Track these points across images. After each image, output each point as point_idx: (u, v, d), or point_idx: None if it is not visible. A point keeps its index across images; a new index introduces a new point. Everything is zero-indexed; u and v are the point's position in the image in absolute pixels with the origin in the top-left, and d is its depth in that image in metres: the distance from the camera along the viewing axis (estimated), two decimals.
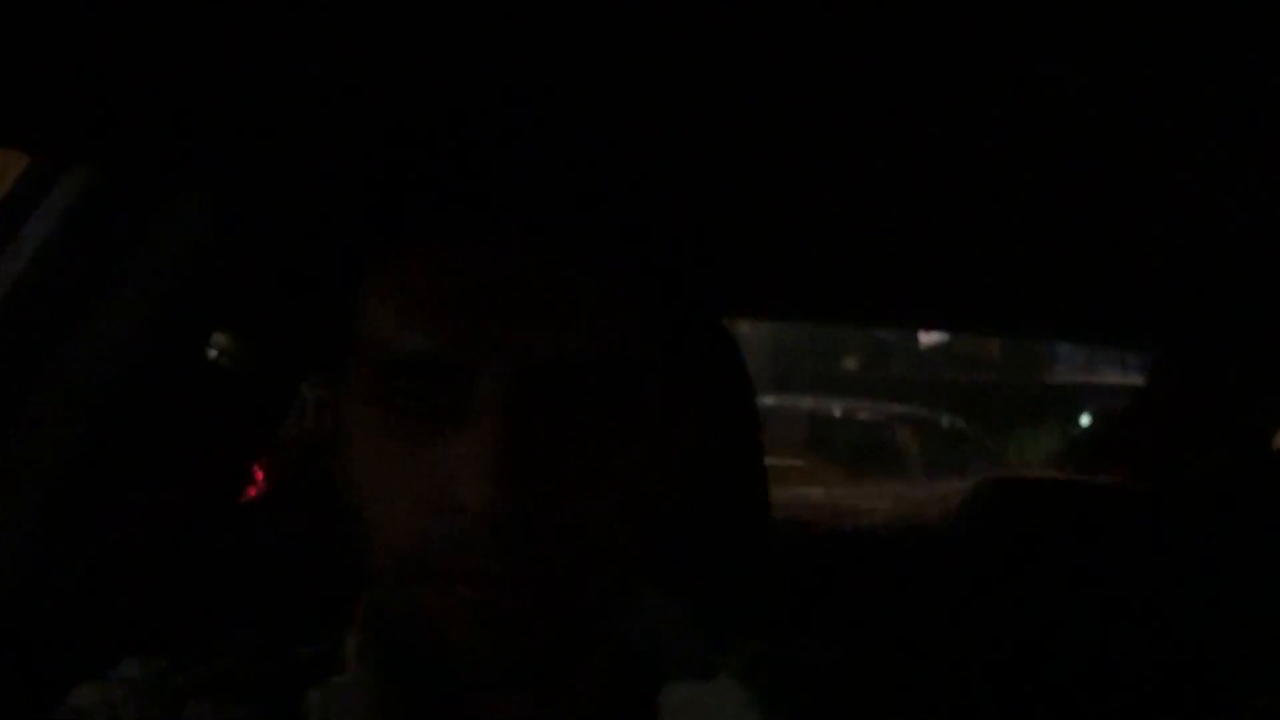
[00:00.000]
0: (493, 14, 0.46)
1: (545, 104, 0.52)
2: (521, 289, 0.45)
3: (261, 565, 0.91)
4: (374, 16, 0.45)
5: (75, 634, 0.67)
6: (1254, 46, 0.44)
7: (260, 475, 1.11)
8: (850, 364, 6.99)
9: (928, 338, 6.61)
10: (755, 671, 0.53)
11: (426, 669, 0.47)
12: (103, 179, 0.68)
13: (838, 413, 4.87)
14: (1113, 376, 5.74)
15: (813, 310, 1.34)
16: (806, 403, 5.05)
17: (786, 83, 0.52)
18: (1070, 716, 1.11)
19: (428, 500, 0.44)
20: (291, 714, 0.48)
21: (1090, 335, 1.70)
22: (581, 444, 0.45)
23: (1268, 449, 1.49)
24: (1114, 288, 1.07)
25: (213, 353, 0.82)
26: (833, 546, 1.55)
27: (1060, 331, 1.56)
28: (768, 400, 5.37)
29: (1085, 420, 6.22)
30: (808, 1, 0.42)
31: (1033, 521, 1.24)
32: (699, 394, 0.56)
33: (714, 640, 0.55)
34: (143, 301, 0.70)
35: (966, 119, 0.56)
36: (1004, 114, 0.54)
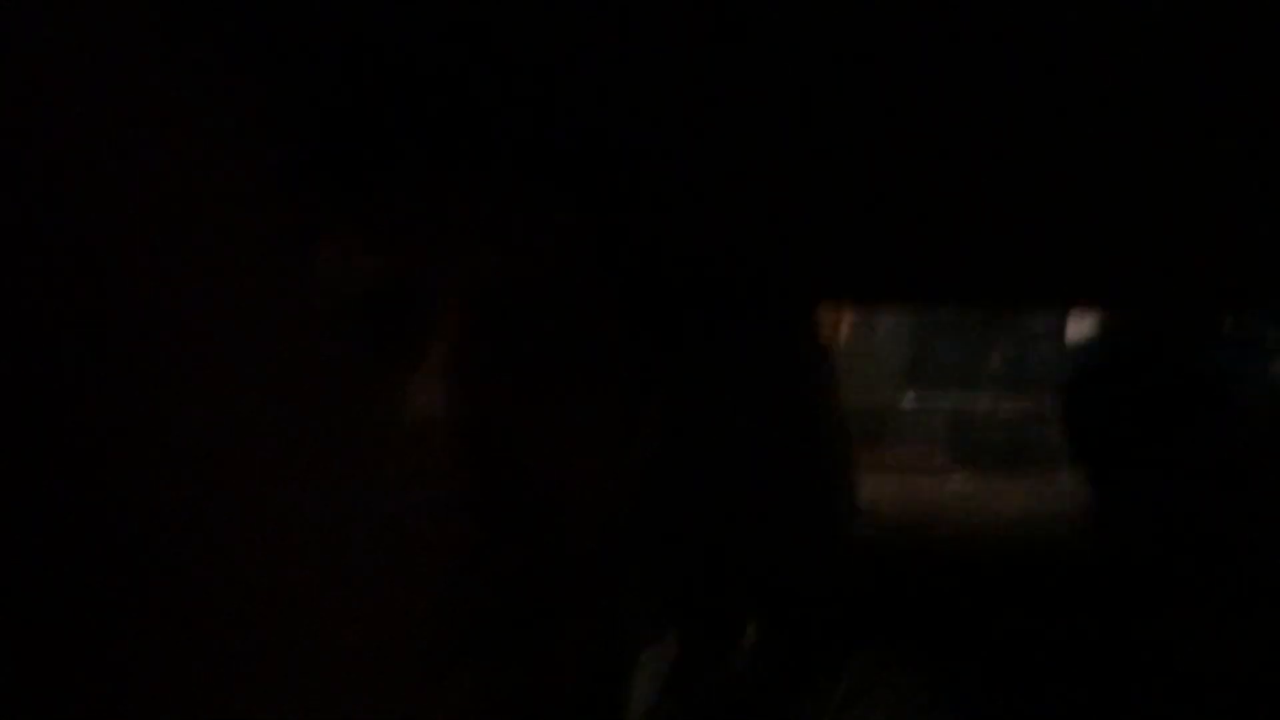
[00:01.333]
0: None
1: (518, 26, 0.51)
2: (479, 214, 0.46)
3: None
4: None
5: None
6: None
7: None
8: (996, 359, 6.76)
9: (1075, 329, 6.34)
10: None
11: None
12: None
13: (980, 409, 4.73)
14: None
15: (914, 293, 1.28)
16: (948, 400, 4.91)
17: None
18: None
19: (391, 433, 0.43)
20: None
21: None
22: (533, 377, 0.46)
23: None
24: None
25: None
26: (951, 545, 1.51)
27: (1240, 307, 1.42)
28: (907, 398, 5.24)
29: None
30: None
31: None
32: (680, 376, 0.60)
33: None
34: None
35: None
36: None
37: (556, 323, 0.47)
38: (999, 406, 4.82)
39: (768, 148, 0.65)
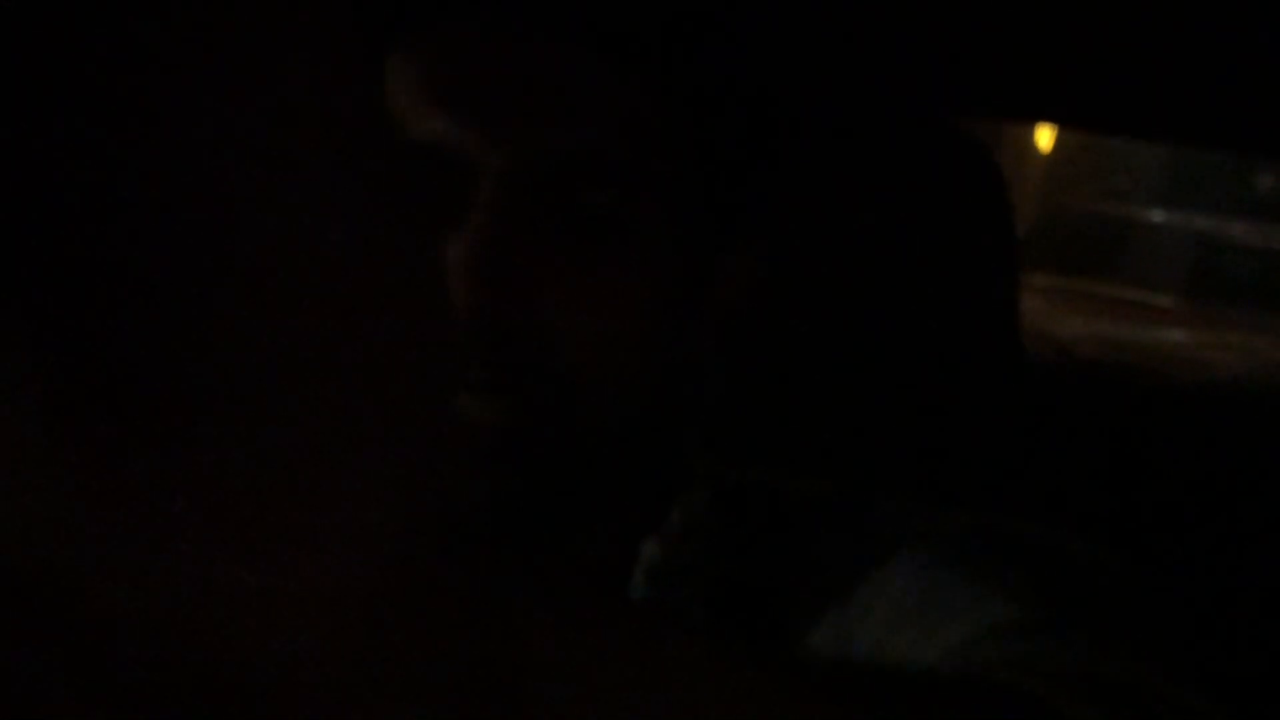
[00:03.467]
0: None
1: None
2: (533, 80, 0.45)
3: None
4: None
5: None
6: None
7: None
8: (1266, 182, 6.15)
9: None
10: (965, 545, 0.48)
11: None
12: None
13: (1235, 237, 4.28)
14: None
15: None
16: (1200, 222, 4.48)
17: None
18: None
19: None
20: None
21: None
22: (575, 255, 0.45)
23: None
24: None
25: None
26: (1141, 401, 1.36)
27: None
28: (1153, 215, 4.83)
29: None
30: None
31: None
32: (755, 241, 0.52)
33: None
34: None
35: None
36: None
37: (613, 193, 0.46)
38: (1260, 235, 4.35)
39: None
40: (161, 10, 0.14)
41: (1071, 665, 0.36)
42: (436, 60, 0.45)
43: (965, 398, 0.81)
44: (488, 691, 0.17)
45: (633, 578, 0.52)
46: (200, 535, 0.14)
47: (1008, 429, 0.84)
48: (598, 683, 0.20)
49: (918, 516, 0.51)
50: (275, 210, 0.14)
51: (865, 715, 0.26)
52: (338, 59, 0.16)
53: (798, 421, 0.75)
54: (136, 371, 0.13)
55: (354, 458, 0.15)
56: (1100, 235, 4.24)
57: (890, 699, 0.28)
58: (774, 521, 0.54)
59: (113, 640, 0.14)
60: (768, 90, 0.54)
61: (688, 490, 0.54)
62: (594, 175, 0.45)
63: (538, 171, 0.44)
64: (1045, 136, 6.36)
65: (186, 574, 0.14)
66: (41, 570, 0.14)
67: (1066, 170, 6.64)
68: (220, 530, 0.14)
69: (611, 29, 0.46)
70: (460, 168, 0.44)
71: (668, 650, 0.22)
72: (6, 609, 0.14)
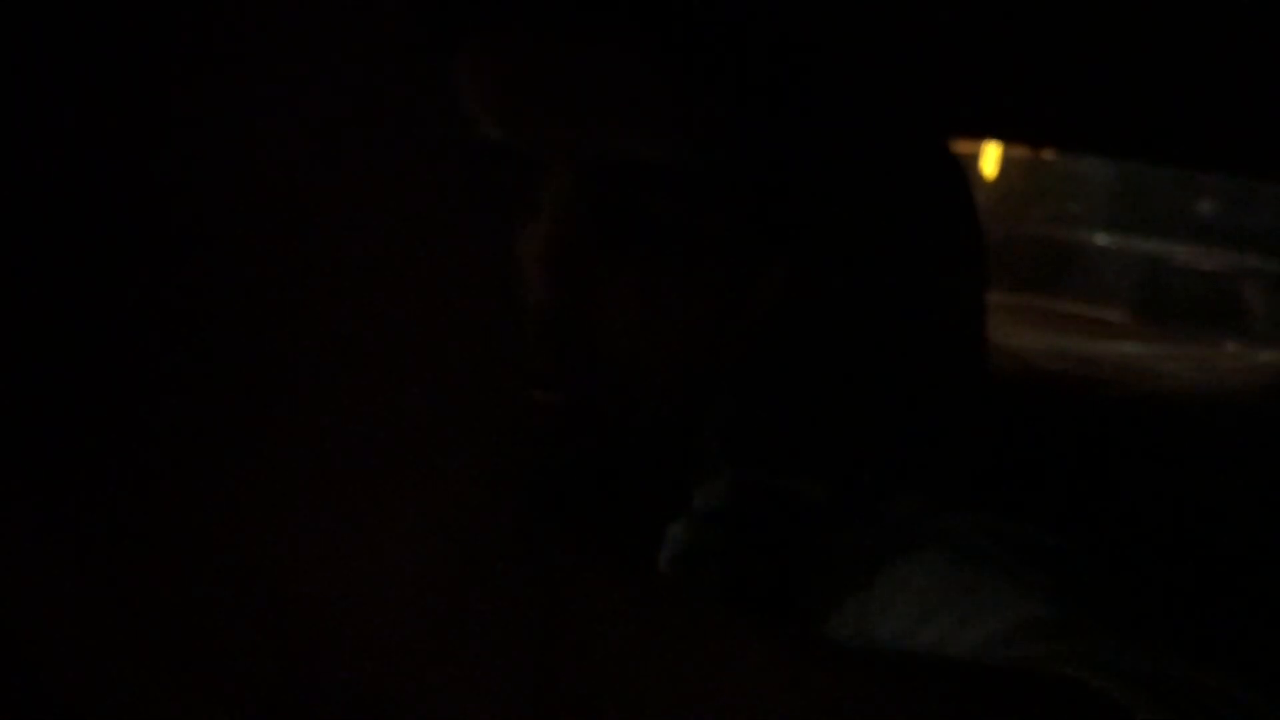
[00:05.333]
0: None
1: None
2: (603, 85, 0.45)
3: None
4: None
5: None
6: None
7: None
8: (1205, 208, 6.29)
9: None
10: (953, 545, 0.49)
11: None
12: None
13: (1178, 260, 4.39)
14: None
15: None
16: (1144, 245, 4.58)
17: None
18: None
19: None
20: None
21: None
22: (633, 257, 0.45)
23: None
24: None
25: None
26: (1101, 411, 1.38)
27: None
28: (1099, 238, 4.93)
29: None
30: None
31: None
32: (796, 243, 0.53)
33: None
34: None
35: None
36: None
37: (669, 199, 0.47)
38: (1200, 260, 4.47)
39: None
40: (242, 18, 0.13)
41: (1112, 659, 0.36)
42: (506, 64, 0.46)
43: (943, 407, 0.83)
44: (559, 676, 0.17)
45: (659, 560, 0.54)
46: (285, 523, 0.13)
47: (978, 437, 0.86)
48: (664, 672, 0.20)
49: (933, 516, 0.52)
50: (353, 207, 0.14)
51: (931, 706, 0.26)
52: (409, 60, 0.16)
53: (798, 425, 0.77)
54: (226, 361, 0.13)
55: (431, 445, 0.15)
56: (1049, 257, 4.34)
57: (951, 688, 0.28)
58: (789, 514, 0.55)
59: (198, 626, 0.14)
60: (812, 106, 0.56)
61: (710, 480, 0.56)
62: (657, 183, 0.46)
63: (603, 176, 0.45)
64: (990, 163, 6.45)
65: (269, 562, 0.13)
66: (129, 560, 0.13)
67: (1012, 196, 6.75)
68: (306, 518, 0.14)
69: (681, 40, 0.46)
70: (532, 165, 0.45)
71: (731, 641, 0.22)
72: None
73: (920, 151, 0.78)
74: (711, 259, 0.48)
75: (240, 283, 0.13)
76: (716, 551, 0.54)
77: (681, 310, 0.47)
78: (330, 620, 0.14)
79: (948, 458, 0.82)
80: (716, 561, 0.53)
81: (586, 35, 0.46)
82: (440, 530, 0.15)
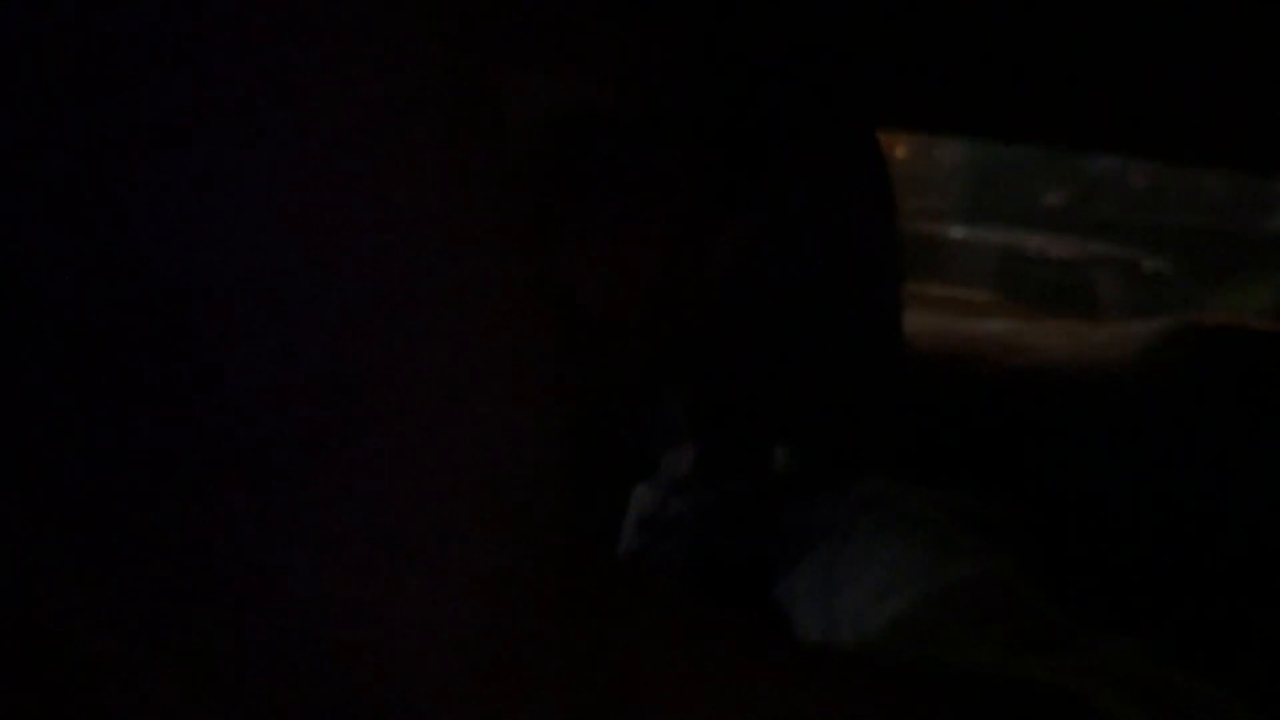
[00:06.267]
0: None
1: None
2: (552, 31, 0.44)
3: None
4: None
5: None
6: None
7: None
8: (1054, 199, 6.60)
9: (1140, 175, 6.16)
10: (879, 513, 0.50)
11: None
12: None
13: (1032, 249, 4.61)
14: None
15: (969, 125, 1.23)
16: (999, 236, 4.80)
17: None
18: (1250, 581, 1.03)
19: None
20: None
21: None
22: (598, 210, 0.44)
23: None
24: None
25: None
26: (997, 383, 1.46)
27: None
28: (957, 231, 5.13)
29: None
30: None
31: (1233, 372, 1.12)
32: (757, 201, 0.54)
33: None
34: None
35: None
36: None
37: (630, 152, 0.45)
38: (1053, 246, 4.70)
39: None
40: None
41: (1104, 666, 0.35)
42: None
43: (864, 385, 0.87)
44: (598, 686, 0.17)
45: (624, 526, 0.54)
46: (335, 542, 0.13)
47: (892, 415, 0.90)
48: (701, 684, 0.20)
49: (895, 493, 0.52)
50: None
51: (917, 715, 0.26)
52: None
53: (740, 394, 0.80)
54: (278, 376, 0.12)
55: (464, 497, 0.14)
56: (913, 249, 4.51)
57: (935, 698, 0.27)
58: (754, 486, 0.55)
59: (247, 644, 0.13)
60: (766, 67, 0.56)
61: (676, 447, 0.56)
62: (613, 132, 0.45)
63: (558, 126, 0.43)
64: None
65: (317, 580, 0.13)
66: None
67: None
68: (354, 536, 0.13)
69: None
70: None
71: (768, 655, 0.22)
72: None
73: (849, 134, 0.81)
74: (669, 212, 0.47)
75: (261, 316, 0.12)
76: (683, 521, 0.54)
77: (642, 265, 0.46)
78: (375, 634, 0.13)
79: (864, 436, 0.84)
80: (682, 530, 0.54)
81: None
82: (475, 579, 0.14)
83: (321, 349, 0.13)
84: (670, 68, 0.46)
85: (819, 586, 0.49)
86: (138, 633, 0.13)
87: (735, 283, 0.61)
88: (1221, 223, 6.11)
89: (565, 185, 0.44)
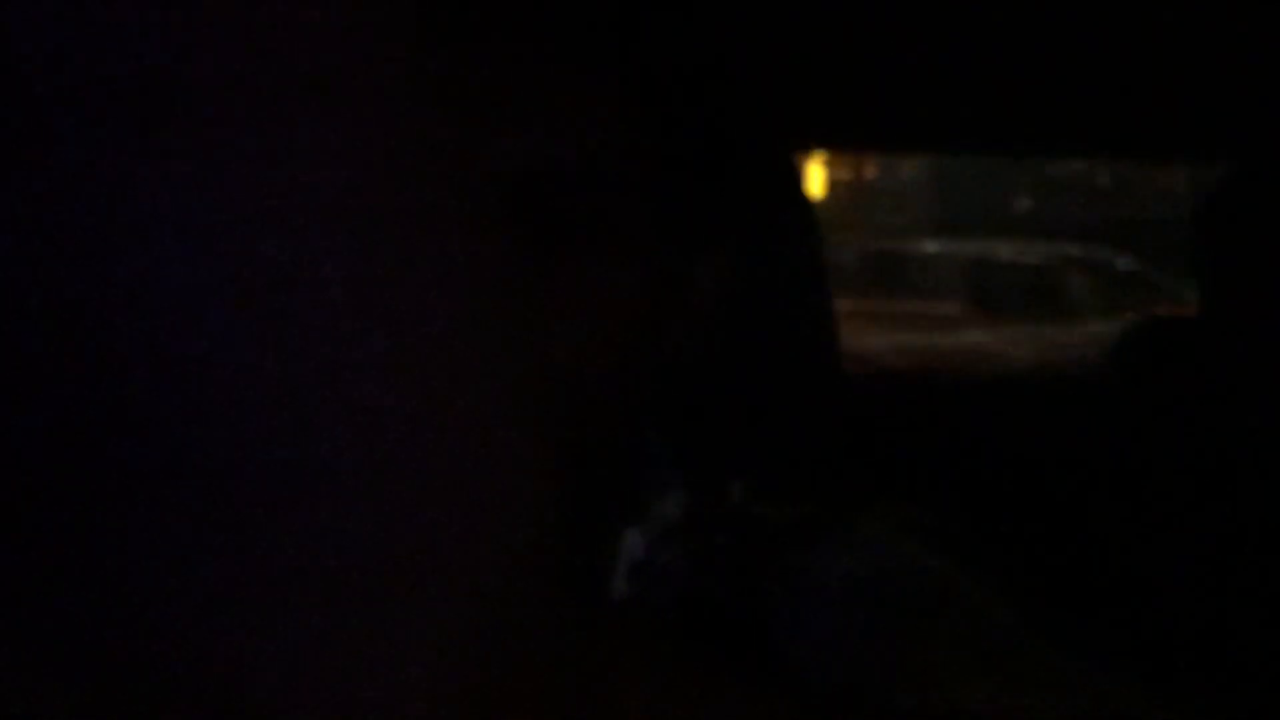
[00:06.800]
0: None
1: None
2: (502, 89, 0.41)
3: None
4: None
5: None
6: None
7: None
8: (1022, 204, 6.63)
9: (1105, 174, 6.19)
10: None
11: None
12: None
13: (1004, 257, 4.61)
14: None
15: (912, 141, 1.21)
16: (970, 248, 4.80)
17: None
18: (1217, 577, 1.00)
19: None
20: None
21: None
22: (562, 266, 0.42)
23: None
24: None
25: None
26: (956, 391, 1.43)
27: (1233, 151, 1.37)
28: (929, 247, 5.13)
29: None
30: None
31: (1191, 365, 1.10)
32: (721, 229, 0.54)
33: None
34: None
35: None
36: None
37: (594, 202, 0.41)
38: (1021, 254, 4.71)
39: None
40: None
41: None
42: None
43: (802, 408, 0.86)
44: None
45: (616, 574, 0.53)
46: (316, 587, 0.13)
47: (835, 434, 0.89)
48: None
49: (895, 536, 0.52)
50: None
51: None
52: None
53: (713, 435, 0.78)
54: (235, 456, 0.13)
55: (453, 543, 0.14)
56: (884, 266, 4.51)
57: None
58: (748, 535, 0.54)
59: (236, 685, 0.13)
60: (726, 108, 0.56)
61: (665, 492, 0.56)
62: (572, 183, 0.43)
63: (518, 178, 0.43)
64: (816, 183, 6.68)
65: (297, 623, 0.13)
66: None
67: (842, 212, 6.99)
68: (332, 582, 0.13)
69: (590, 39, 0.45)
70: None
71: (768, 705, 0.22)
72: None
73: (765, 157, 0.81)
74: (636, 260, 0.48)
75: (244, 371, 0.13)
76: (673, 569, 0.54)
77: (618, 316, 0.46)
78: (358, 679, 0.13)
79: (813, 459, 0.84)
80: (673, 579, 0.53)
81: (489, 34, 0.45)
82: (464, 629, 0.14)
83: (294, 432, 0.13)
84: (633, 117, 0.46)
85: (821, 634, 0.49)
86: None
87: (707, 316, 0.60)
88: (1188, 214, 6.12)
89: (537, 246, 0.44)
